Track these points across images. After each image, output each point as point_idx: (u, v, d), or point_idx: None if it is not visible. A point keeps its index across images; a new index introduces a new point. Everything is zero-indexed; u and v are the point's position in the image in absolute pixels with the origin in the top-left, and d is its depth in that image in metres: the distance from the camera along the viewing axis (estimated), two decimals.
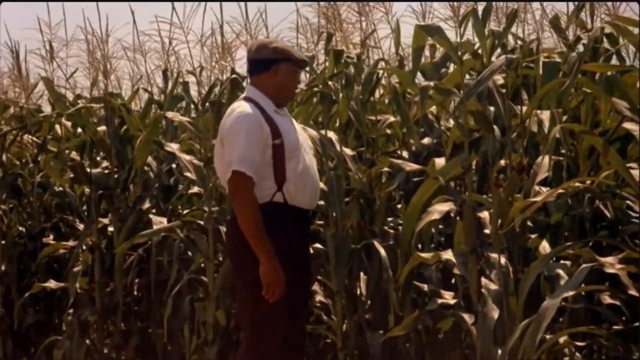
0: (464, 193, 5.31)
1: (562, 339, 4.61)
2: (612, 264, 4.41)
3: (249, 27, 6.50)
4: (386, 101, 6.72)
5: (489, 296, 4.68)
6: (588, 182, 4.90)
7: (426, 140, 6.25)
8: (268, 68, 4.50)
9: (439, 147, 6.19)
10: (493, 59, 5.24)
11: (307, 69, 6.36)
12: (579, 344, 4.77)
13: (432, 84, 5.19)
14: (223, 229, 6.19)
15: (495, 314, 4.62)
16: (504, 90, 5.20)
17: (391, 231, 6.05)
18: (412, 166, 5.44)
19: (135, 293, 7.14)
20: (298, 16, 6.49)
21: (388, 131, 6.44)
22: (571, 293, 4.30)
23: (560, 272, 4.69)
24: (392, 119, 6.33)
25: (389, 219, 6.21)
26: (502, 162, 5.23)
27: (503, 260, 4.89)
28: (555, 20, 5.50)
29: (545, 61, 5.28)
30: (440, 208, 5.08)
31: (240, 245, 4.39)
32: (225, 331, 6.29)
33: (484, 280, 4.92)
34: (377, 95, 6.56)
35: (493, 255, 4.94)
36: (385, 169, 6.24)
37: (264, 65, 4.51)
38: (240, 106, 4.47)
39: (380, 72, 6.36)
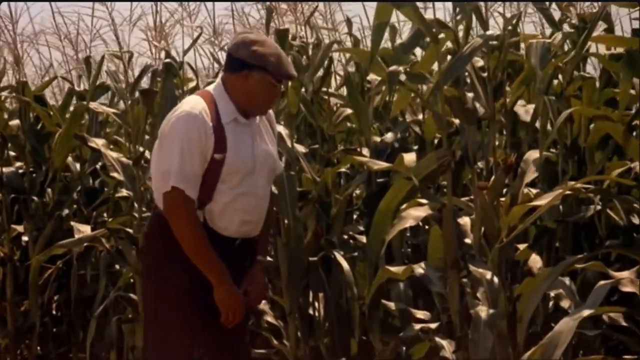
0: (438, 195, 4.90)
1: None
2: (632, 280, 3.87)
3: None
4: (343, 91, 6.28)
5: (481, 321, 4.16)
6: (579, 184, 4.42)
7: (390, 136, 5.83)
8: (239, 70, 3.90)
9: (405, 144, 5.84)
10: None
11: None
12: None
13: (401, 68, 4.65)
14: None
15: (490, 342, 4.13)
16: (484, 74, 4.71)
17: (351, 241, 5.64)
18: (381, 164, 4.95)
19: (54, 312, 6.89)
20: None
21: (349, 124, 6.04)
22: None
23: (562, 290, 4.30)
24: (349, 111, 5.87)
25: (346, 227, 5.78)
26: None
27: (490, 275, 4.35)
28: None
29: (533, 42, 4.78)
30: (416, 213, 4.58)
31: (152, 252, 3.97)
32: None
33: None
34: (332, 86, 6.17)
35: (478, 270, 4.40)
36: (344, 169, 5.83)
37: (236, 65, 3.90)
38: (190, 103, 3.89)
39: (334, 55, 5.89)
